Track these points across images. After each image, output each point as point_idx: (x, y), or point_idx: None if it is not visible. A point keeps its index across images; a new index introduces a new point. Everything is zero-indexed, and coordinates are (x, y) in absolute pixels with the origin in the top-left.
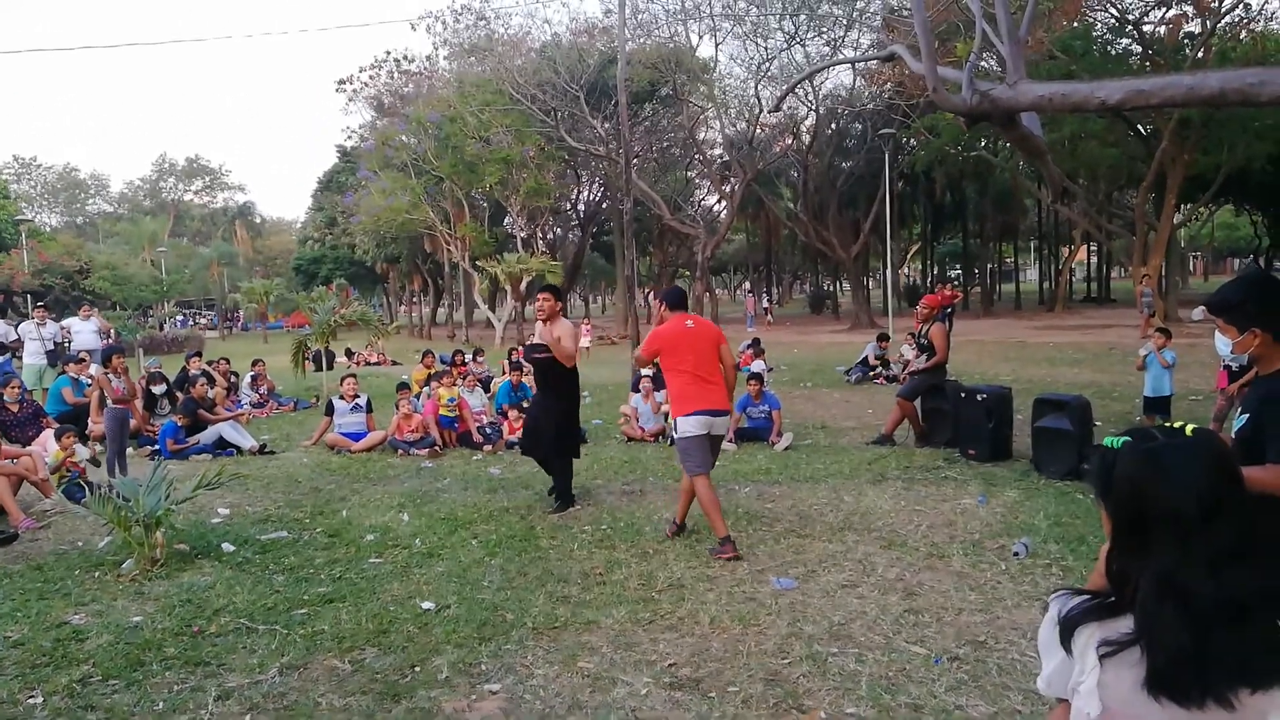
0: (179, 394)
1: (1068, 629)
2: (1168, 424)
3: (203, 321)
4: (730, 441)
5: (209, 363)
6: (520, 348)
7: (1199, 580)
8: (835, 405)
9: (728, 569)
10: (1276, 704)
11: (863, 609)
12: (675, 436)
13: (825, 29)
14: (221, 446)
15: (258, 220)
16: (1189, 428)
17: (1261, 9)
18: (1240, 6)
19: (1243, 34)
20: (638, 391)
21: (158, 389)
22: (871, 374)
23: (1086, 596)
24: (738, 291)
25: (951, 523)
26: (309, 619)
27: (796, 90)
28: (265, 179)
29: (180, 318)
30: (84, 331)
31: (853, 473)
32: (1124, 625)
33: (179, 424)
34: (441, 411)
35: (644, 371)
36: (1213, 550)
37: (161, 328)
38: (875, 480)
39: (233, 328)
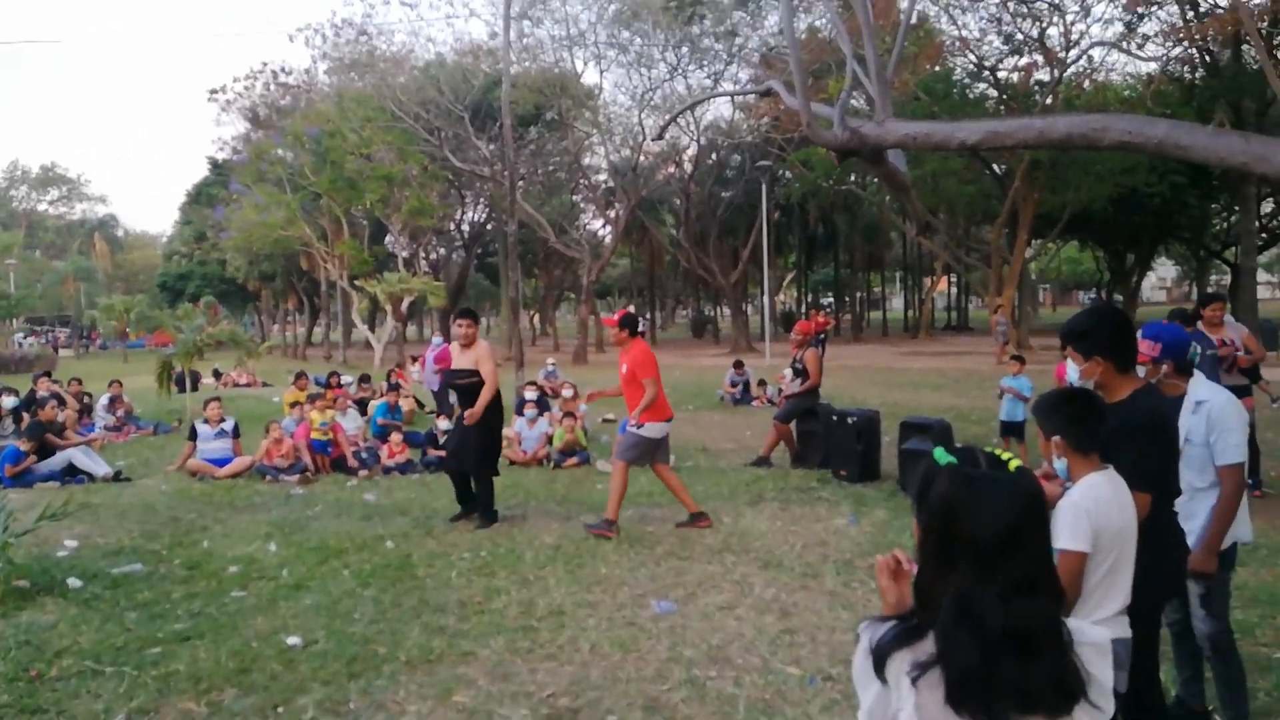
0: (25, 415)
1: (880, 658)
2: (1000, 455)
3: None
4: (611, 463)
5: (56, 382)
6: (399, 369)
7: (991, 607)
8: (715, 427)
9: (608, 594)
10: None
11: (740, 630)
12: (640, 435)
13: (706, 62)
14: (71, 473)
15: (120, 234)
16: (1014, 463)
17: (1103, 61)
18: (1084, 58)
19: (1086, 83)
20: (521, 415)
21: (7, 401)
22: (753, 398)
23: (893, 623)
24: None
25: (825, 542)
26: (163, 659)
27: (678, 120)
28: (129, 190)
29: (24, 335)
30: None
31: (732, 494)
32: (930, 646)
33: (22, 449)
34: (314, 435)
35: (528, 395)
36: (1007, 581)
37: (8, 346)
38: (753, 501)
39: (89, 346)
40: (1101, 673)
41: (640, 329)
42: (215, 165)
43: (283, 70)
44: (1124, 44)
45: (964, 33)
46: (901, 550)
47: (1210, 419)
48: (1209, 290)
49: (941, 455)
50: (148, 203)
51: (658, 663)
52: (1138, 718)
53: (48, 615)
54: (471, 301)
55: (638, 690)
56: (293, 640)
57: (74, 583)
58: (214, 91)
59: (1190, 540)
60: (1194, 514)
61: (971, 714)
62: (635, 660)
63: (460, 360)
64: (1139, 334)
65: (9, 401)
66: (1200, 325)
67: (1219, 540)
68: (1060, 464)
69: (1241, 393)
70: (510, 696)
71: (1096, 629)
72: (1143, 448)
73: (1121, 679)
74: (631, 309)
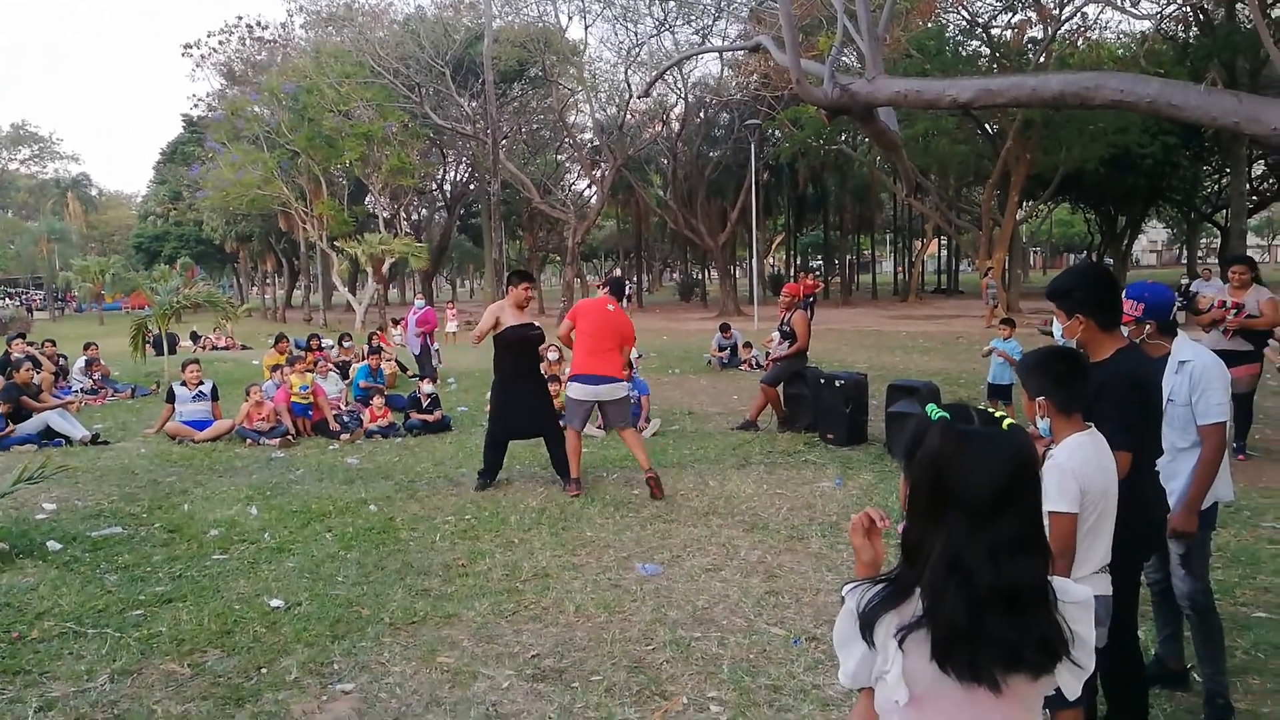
0: (0, 378)
1: (868, 622)
2: (993, 412)
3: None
4: (599, 428)
5: (31, 344)
6: (380, 331)
7: (980, 564)
8: (702, 391)
9: (593, 556)
10: (1040, 691)
11: (725, 592)
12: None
13: (694, 17)
14: (48, 436)
15: (94, 193)
16: (1007, 422)
17: (1097, 19)
18: (1078, 15)
19: (1080, 41)
20: None
21: None
22: (740, 361)
23: (881, 585)
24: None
25: (811, 505)
26: (144, 621)
27: (666, 77)
28: (102, 149)
29: (1, 298)
30: None
31: (718, 458)
32: (916, 606)
33: None
34: (294, 399)
35: None
36: (996, 539)
37: None
38: (739, 465)
39: (64, 309)
40: (1084, 631)
41: (614, 289)
42: (190, 123)
43: (258, 24)
44: (1118, 1)
45: None
46: (875, 509)
47: (1193, 379)
48: (1234, 253)
49: (934, 411)
50: (121, 161)
51: (643, 624)
52: (1116, 676)
53: (27, 578)
54: (455, 264)
55: (622, 651)
56: (275, 603)
57: (53, 545)
58: (188, 46)
59: (1172, 500)
60: (1176, 474)
61: (957, 671)
62: (620, 621)
63: (520, 318)
64: (1123, 294)
65: None
66: (1227, 288)
67: (1199, 500)
68: (1044, 424)
69: (1248, 359)
70: (495, 657)
71: (1080, 587)
72: (1124, 407)
73: (1101, 635)
74: (618, 272)
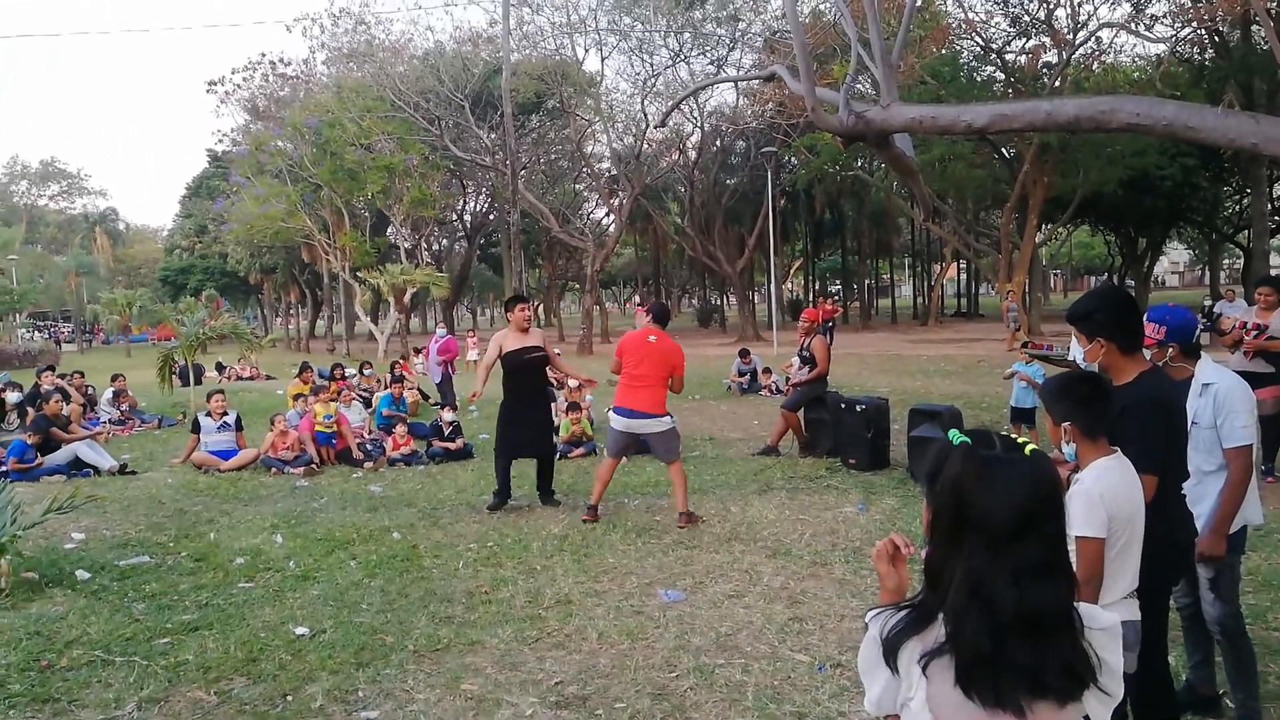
0: (30, 410)
1: (891, 649)
2: (1015, 437)
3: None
4: None
5: (61, 376)
6: (402, 360)
7: (1002, 590)
8: (722, 417)
9: (615, 583)
10: (1067, 719)
11: (749, 619)
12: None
13: (709, 48)
14: (77, 467)
15: (121, 227)
16: (1029, 447)
17: (1111, 43)
18: (1092, 40)
19: (1095, 65)
20: None
21: (12, 396)
22: (760, 386)
23: (904, 613)
24: (627, 306)
25: (834, 531)
26: (172, 649)
27: (681, 107)
28: (129, 184)
29: (30, 331)
30: None
31: (739, 483)
32: (939, 632)
33: (28, 443)
34: (318, 427)
35: None
36: (1018, 564)
37: (12, 340)
38: (761, 490)
39: (92, 341)
40: (1112, 658)
41: (657, 316)
42: (215, 157)
43: (281, 61)
44: (1132, 25)
45: (970, 15)
46: (899, 535)
47: (1217, 401)
48: (1261, 275)
49: (955, 436)
50: (148, 196)
51: (666, 651)
52: (1147, 702)
53: (57, 606)
54: (475, 292)
55: (646, 678)
56: (300, 630)
57: (82, 574)
58: (212, 83)
59: (1199, 524)
60: (1203, 497)
61: (981, 697)
62: (643, 648)
63: (522, 341)
64: (1145, 317)
65: (13, 396)
66: (1254, 310)
67: (1227, 523)
68: (1070, 449)
69: (1271, 380)
70: (518, 684)
71: (1107, 614)
72: (1148, 430)
73: (1130, 660)
74: (639, 297)
